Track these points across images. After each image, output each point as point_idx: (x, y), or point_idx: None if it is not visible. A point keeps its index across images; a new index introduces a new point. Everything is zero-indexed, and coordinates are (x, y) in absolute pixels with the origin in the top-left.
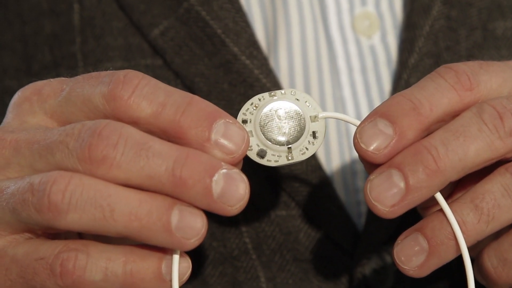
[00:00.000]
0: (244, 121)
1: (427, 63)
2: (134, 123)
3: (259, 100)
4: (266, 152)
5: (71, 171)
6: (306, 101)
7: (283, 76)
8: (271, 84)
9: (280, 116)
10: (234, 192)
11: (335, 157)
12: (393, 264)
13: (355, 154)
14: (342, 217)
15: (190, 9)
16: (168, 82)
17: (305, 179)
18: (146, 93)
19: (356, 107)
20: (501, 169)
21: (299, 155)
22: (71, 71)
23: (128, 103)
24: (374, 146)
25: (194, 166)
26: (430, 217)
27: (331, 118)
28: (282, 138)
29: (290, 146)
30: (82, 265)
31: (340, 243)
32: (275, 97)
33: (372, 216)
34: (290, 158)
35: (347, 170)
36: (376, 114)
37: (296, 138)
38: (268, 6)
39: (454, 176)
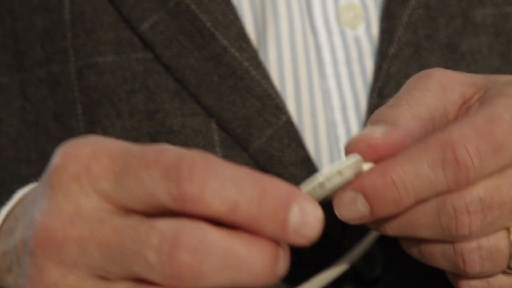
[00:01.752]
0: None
1: (407, 52)
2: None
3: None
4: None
5: (152, 282)
6: (350, 170)
7: (272, 68)
8: (260, 76)
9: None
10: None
11: (323, 147)
12: (382, 253)
13: (343, 144)
14: (330, 208)
15: (179, 3)
16: (159, 76)
17: (295, 171)
18: (216, 190)
19: (341, 98)
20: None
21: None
22: (63, 66)
23: (198, 204)
24: (349, 218)
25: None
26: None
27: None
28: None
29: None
30: None
31: (328, 233)
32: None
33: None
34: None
35: (335, 159)
36: (359, 187)
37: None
38: None
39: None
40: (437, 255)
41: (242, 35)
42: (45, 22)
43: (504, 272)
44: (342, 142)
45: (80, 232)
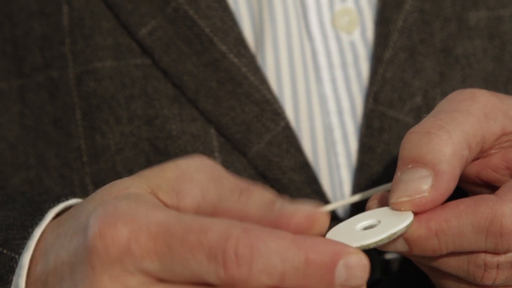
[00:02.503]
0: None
1: (402, 57)
2: None
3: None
4: None
5: None
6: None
7: (270, 73)
8: (259, 82)
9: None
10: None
11: (321, 152)
12: (380, 256)
13: (339, 149)
14: (328, 212)
15: (177, 8)
16: (158, 81)
17: (293, 176)
18: (263, 267)
19: (337, 102)
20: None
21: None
22: (62, 71)
23: (247, 283)
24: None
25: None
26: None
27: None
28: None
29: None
30: None
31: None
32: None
33: (356, 209)
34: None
35: (332, 164)
36: (405, 236)
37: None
38: (255, 4)
39: None
40: (452, 286)
41: (240, 41)
42: (43, 27)
43: None
44: (339, 145)
45: None
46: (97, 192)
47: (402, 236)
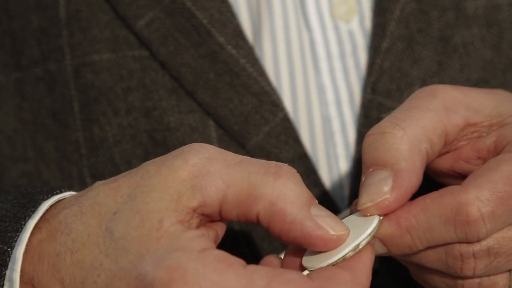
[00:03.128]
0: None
1: (399, 46)
2: None
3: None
4: None
5: None
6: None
7: (268, 65)
8: (257, 73)
9: None
10: None
11: (319, 143)
12: None
13: (338, 139)
14: (326, 203)
15: (175, 0)
16: (156, 73)
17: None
18: None
19: (335, 93)
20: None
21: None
22: (59, 64)
23: None
24: None
25: None
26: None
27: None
28: None
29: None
30: None
31: None
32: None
33: (353, 199)
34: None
35: (330, 154)
36: (377, 236)
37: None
38: None
39: None
40: (437, 281)
41: (238, 32)
42: (40, 20)
43: None
44: (337, 136)
45: None
46: (129, 228)
47: (376, 238)
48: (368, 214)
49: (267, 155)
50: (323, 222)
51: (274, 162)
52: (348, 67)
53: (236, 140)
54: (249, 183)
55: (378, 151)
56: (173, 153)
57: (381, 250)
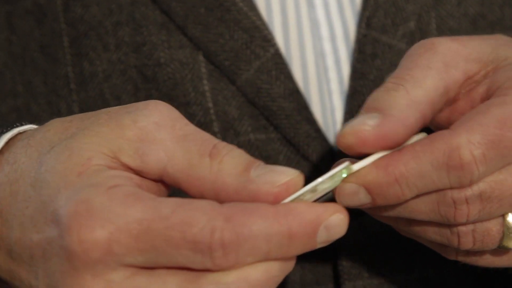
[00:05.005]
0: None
1: None
2: None
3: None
4: None
5: None
6: (342, 174)
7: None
8: (248, 8)
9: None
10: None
11: (312, 79)
12: None
13: (332, 75)
14: (319, 139)
15: None
16: (146, 7)
17: (283, 103)
18: (249, 250)
19: (330, 28)
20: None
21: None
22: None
23: (234, 267)
24: (348, 205)
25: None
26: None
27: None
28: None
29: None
30: None
31: (318, 164)
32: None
33: None
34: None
35: (324, 90)
36: (362, 183)
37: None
38: None
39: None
40: (430, 233)
41: None
42: None
43: (492, 251)
44: (331, 72)
45: None
46: (56, 162)
47: (363, 187)
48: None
49: (258, 91)
50: (265, 179)
51: (213, 141)
52: (343, 1)
53: (226, 75)
54: (189, 163)
55: (377, 101)
56: (128, 107)
57: (365, 199)
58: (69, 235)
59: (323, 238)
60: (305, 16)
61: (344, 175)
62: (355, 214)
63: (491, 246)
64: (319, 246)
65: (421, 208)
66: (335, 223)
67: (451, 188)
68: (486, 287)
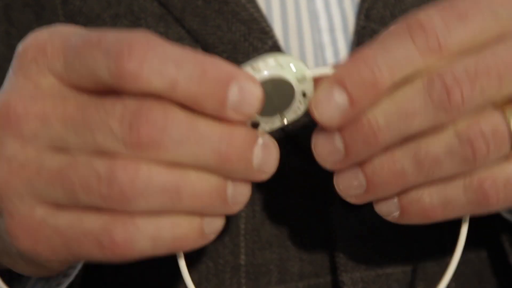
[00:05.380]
0: None
1: None
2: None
3: None
4: (259, 124)
5: (112, 152)
6: (290, 63)
7: None
8: (246, 0)
9: (268, 89)
10: (270, 160)
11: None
12: None
13: None
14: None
15: None
16: (143, 0)
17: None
18: (156, 66)
19: (329, 19)
20: (450, 131)
21: (292, 115)
22: None
23: (137, 80)
24: (329, 117)
25: (236, 143)
26: (375, 157)
27: (319, 76)
28: (273, 109)
29: (282, 112)
30: (131, 237)
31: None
32: (259, 71)
33: None
34: (284, 121)
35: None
36: (333, 80)
37: (287, 105)
38: None
39: (393, 143)
40: (442, 155)
41: None
42: None
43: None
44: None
45: (42, 107)
46: None
47: (335, 83)
48: (312, 114)
49: None
50: None
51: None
52: None
53: None
54: None
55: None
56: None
57: (341, 99)
58: (19, 44)
59: (235, 98)
60: (304, 7)
61: (292, 65)
62: (353, 206)
63: (505, 147)
64: (229, 113)
65: (414, 104)
66: (249, 87)
67: (428, 65)
68: (484, 279)
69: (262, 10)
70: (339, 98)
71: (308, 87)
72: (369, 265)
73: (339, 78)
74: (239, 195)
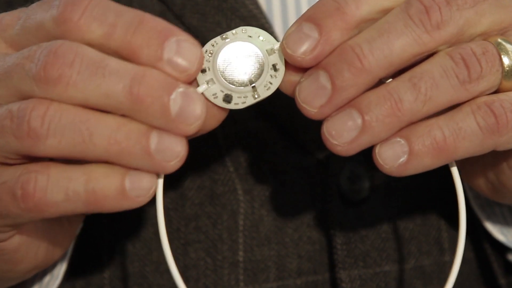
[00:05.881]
0: (203, 70)
1: None
2: (87, 45)
3: (213, 45)
4: (232, 97)
5: (29, 93)
6: (259, 36)
7: None
8: None
9: (237, 57)
10: (191, 110)
11: None
12: (368, 174)
13: None
14: (316, 129)
15: None
16: None
17: (282, 93)
18: (96, 14)
19: None
20: (441, 53)
21: (264, 91)
22: None
23: (78, 25)
24: (301, 50)
25: (151, 84)
26: (367, 92)
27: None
28: (244, 79)
29: (254, 85)
30: (42, 187)
31: (315, 154)
32: (227, 40)
33: None
34: (256, 96)
35: None
36: (301, 19)
37: (258, 76)
38: None
39: (381, 73)
40: (439, 80)
41: None
42: None
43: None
44: None
45: None
46: None
47: (303, 20)
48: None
49: None
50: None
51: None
52: None
53: None
54: None
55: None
56: None
57: (310, 31)
58: None
59: (172, 50)
60: (304, 4)
61: (261, 37)
62: (352, 203)
63: (496, 64)
64: (165, 65)
65: (392, 23)
66: (187, 44)
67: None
68: (484, 277)
69: (262, 7)
70: (308, 30)
71: (279, 60)
72: (366, 263)
73: (306, 14)
74: (166, 148)
